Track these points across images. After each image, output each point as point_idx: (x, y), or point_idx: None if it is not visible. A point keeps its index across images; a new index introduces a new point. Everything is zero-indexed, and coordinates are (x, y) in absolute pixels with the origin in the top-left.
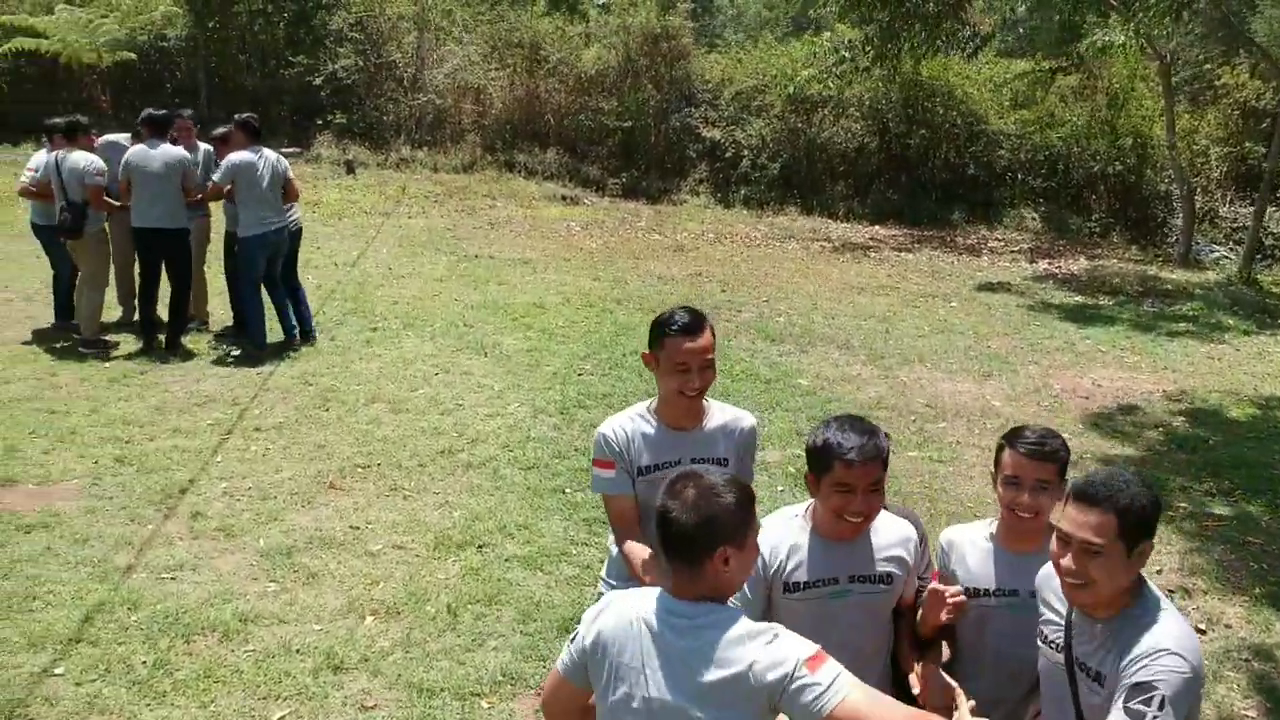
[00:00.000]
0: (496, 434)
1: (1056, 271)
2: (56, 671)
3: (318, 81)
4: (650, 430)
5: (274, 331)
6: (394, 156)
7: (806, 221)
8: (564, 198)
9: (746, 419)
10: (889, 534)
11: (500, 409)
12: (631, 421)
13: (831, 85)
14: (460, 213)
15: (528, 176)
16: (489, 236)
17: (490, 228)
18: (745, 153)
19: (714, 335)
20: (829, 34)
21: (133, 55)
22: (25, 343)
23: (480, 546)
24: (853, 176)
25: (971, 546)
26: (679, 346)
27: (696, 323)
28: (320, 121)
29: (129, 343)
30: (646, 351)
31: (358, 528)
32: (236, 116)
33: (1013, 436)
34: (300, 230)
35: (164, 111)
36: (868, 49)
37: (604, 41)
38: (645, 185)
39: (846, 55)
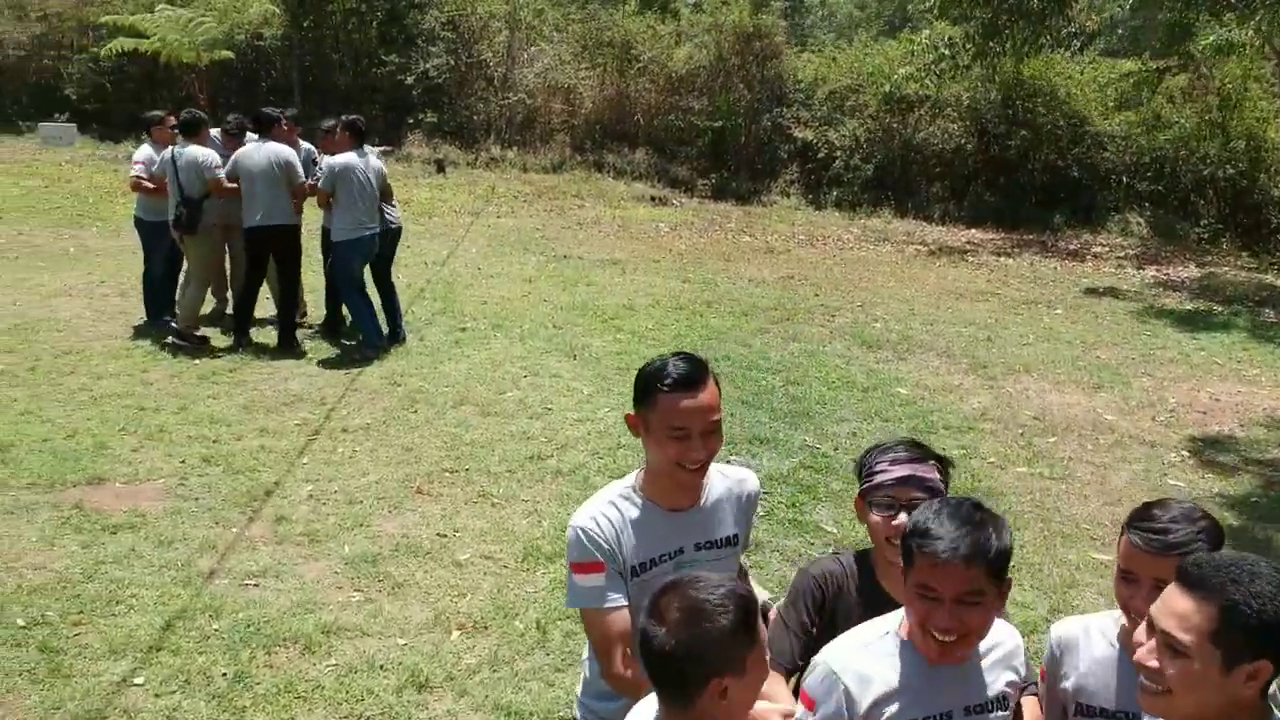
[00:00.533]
0: (586, 440)
1: (1165, 278)
2: (136, 681)
3: (409, 80)
4: (639, 515)
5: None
6: (484, 156)
7: (901, 224)
8: (653, 198)
9: (751, 480)
10: (998, 640)
11: (590, 414)
12: (614, 507)
13: (929, 84)
14: (549, 213)
15: (616, 177)
16: (578, 237)
17: (579, 228)
18: (838, 153)
19: (719, 390)
20: (928, 31)
21: (230, 54)
22: (120, 339)
23: None
24: (949, 178)
25: (1089, 649)
26: (675, 406)
27: (696, 374)
28: (411, 120)
29: (218, 339)
30: (631, 413)
31: (445, 535)
32: (344, 117)
33: (1136, 517)
34: (400, 229)
35: (274, 110)
36: (968, 46)
37: (695, 40)
38: (735, 186)
39: (946, 53)
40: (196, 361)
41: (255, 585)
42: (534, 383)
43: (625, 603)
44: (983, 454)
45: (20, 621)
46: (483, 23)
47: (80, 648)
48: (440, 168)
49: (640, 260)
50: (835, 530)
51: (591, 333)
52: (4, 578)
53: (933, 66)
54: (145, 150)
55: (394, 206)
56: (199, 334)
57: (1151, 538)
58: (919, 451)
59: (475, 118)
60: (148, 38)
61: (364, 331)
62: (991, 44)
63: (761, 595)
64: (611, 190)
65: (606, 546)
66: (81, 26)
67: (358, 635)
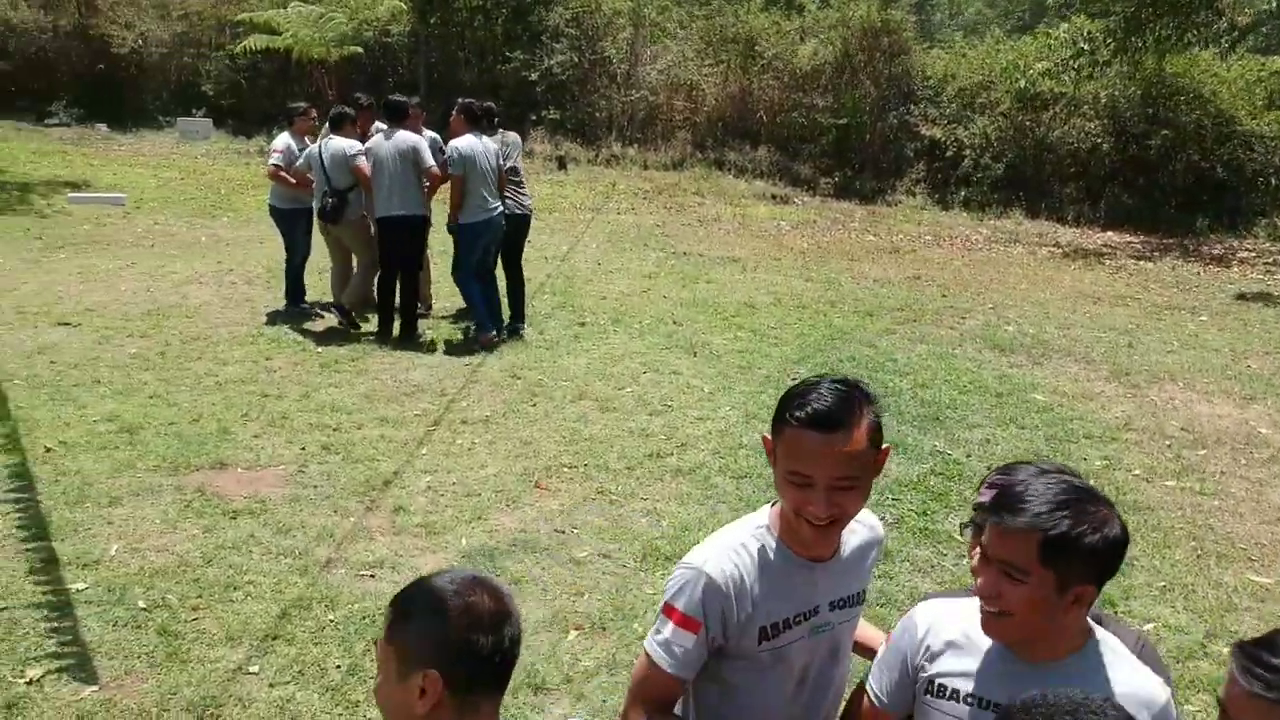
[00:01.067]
0: (707, 438)
1: None
2: (251, 670)
3: (533, 77)
4: (774, 562)
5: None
6: (605, 153)
7: (1032, 225)
8: (774, 197)
9: (879, 527)
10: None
11: (710, 412)
12: (746, 552)
13: (1066, 81)
14: (669, 210)
15: (738, 175)
16: (698, 234)
17: (699, 225)
18: (967, 152)
19: (876, 437)
20: (1066, 26)
21: (359, 50)
22: (245, 326)
23: None
24: (1084, 179)
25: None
26: (800, 445)
27: (839, 412)
28: (534, 117)
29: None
30: (766, 434)
31: (563, 532)
32: (460, 100)
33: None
34: (529, 216)
35: (403, 98)
36: (1108, 42)
37: (821, 36)
38: (859, 185)
39: (1085, 48)
40: (319, 350)
41: (371, 576)
42: (653, 379)
43: (689, 677)
44: (1127, 465)
45: (141, 603)
46: (607, 20)
47: (198, 633)
48: (561, 164)
49: (761, 258)
50: (967, 540)
51: (712, 330)
52: (128, 558)
53: (1070, 62)
54: (284, 139)
55: (525, 193)
56: (355, 316)
57: (1262, 678)
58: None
59: (597, 115)
60: (280, 34)
61: (477, 318)
62: (1133, 39)
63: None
64: (732, 188)
65: (718, 609)
66: (220, 25)
67: None
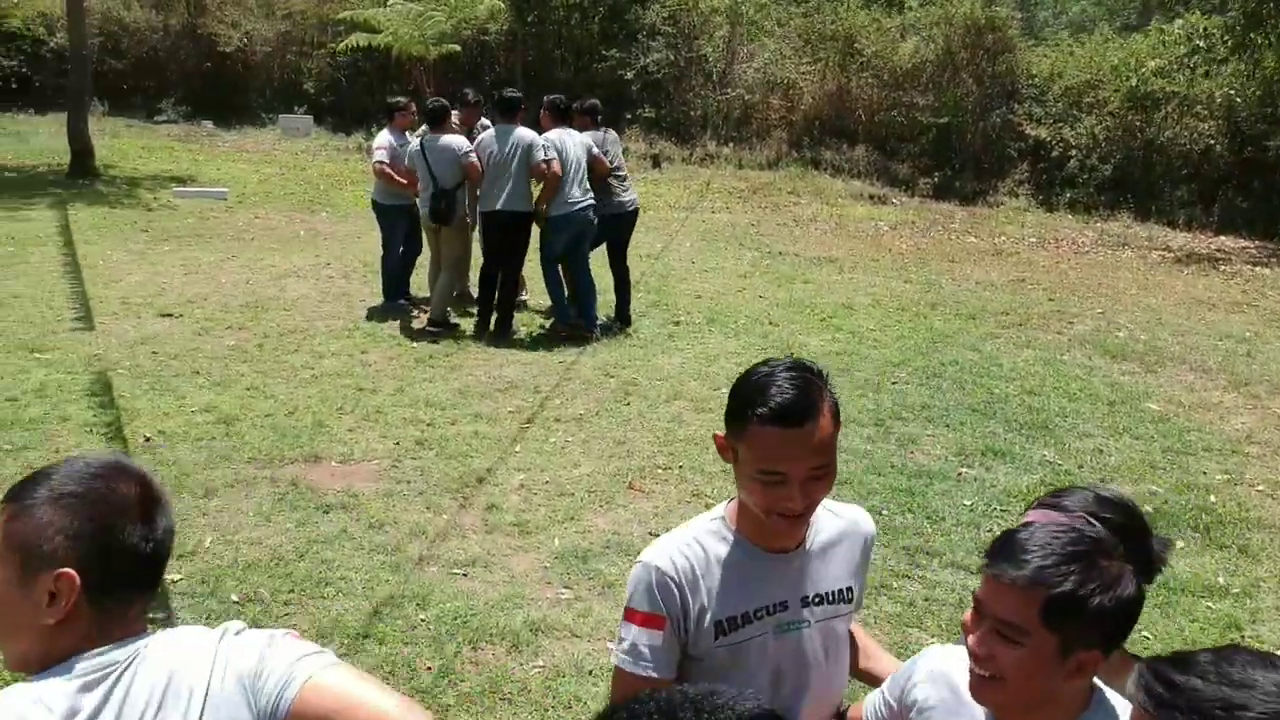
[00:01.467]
0: None
1: None
2: None
3: (628, 76)
4: (730, 555)
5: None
6: (699, 152)
7: (1141, 228)
8: (871, 197)
9: (866, 521)
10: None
11: None
12: (699, 545)
13: (1179, 80)
14: (764, 209)
15: (834, 174)
16: (793, 234)
17: (795, 225)
18: (1073, 153)
19: (836, 419)
20: (1180, 22)
21: (457, 48)
22: (341, 320)
23: None
24: (1196, 181)
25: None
26: (769, 443)
27: (805, 402)
28: (629, 116)
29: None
30: (720, 433)
31: (657, 534)
32: (546, 97)
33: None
34: (636, 212)
35: (517, 94)
36: (1226, 39)
37: (922, 34)
38: (959, 185)
39: (1200, 45)
40: (414, 345)
41: (464, 575)
42: None
43: (668, 676)
44: (1249, 480)
45: (234, 597)
46: (704, 18)
47: (289, 628)
48: (656, 163)
49: (858, 259)
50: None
51: (808, 331)
52: (222, 550)
53: (1185, 60)
54: (385, 136)
55: (627, 188)
56: (451, 320)
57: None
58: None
59: (692, 113)
60: (380, 32)
61: (556, 309)
62: (1253, 35)
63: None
64: (829, 188)
65: (675, 601)
66: (321, 23)
67: (566, 636)
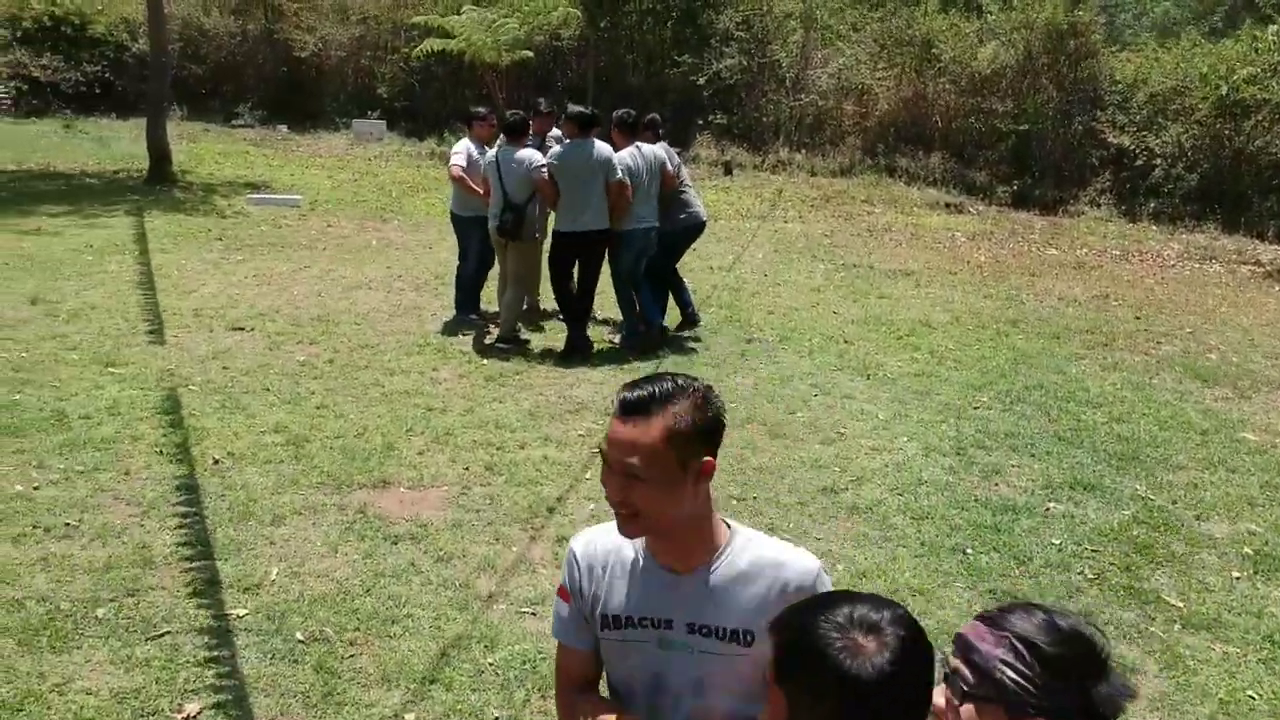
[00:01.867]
0: (883, 472)
1: None
2: (407, 718)
3: (700, 81)
4: (634, 558)
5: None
6: (771, 158)
7: (1229, 241)
8: (947, 205)
9: (796, 566)
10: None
11: (887, 442)
12: (613, 539)
13: (1274, 87)
14: (837, 218)
15: (909, 182)
16: (868, 244)
17: (869, 235)
18: (1158, 161)
19: (671, 441)
20: (1274, 28)
21: (530, 54)
22: (412, 335)
23: None
24: None
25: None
26: (611, 425)
27: (642, 403)
28: (701, 122)
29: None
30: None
31: None
32: (616, 113)
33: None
34: (703, 224)
35: (593, 110)
36: None
37: (1002, 38)
38: (1038, 194)
39: None
40: (485, 362)
41: (533, 614)
42: (825, 403)
43: (585, 650)
44: None
45: (299, 635)
46: (778, 22)
47: (354, 671)
48: (728, 170)
49: (935, 272)
50: (1180, 603)
51: (885, 350)
52: (288, 583)
53: (1279, 67)
54: (465, 143)
55: (694, 198)
56: (521, 336)
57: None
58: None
59: (765, 119)
60: (454, 38)
61: (626, 326)
62: None
63: None
64: (903, 196)
65: (577, 578)
66: (395, 28)
67: None
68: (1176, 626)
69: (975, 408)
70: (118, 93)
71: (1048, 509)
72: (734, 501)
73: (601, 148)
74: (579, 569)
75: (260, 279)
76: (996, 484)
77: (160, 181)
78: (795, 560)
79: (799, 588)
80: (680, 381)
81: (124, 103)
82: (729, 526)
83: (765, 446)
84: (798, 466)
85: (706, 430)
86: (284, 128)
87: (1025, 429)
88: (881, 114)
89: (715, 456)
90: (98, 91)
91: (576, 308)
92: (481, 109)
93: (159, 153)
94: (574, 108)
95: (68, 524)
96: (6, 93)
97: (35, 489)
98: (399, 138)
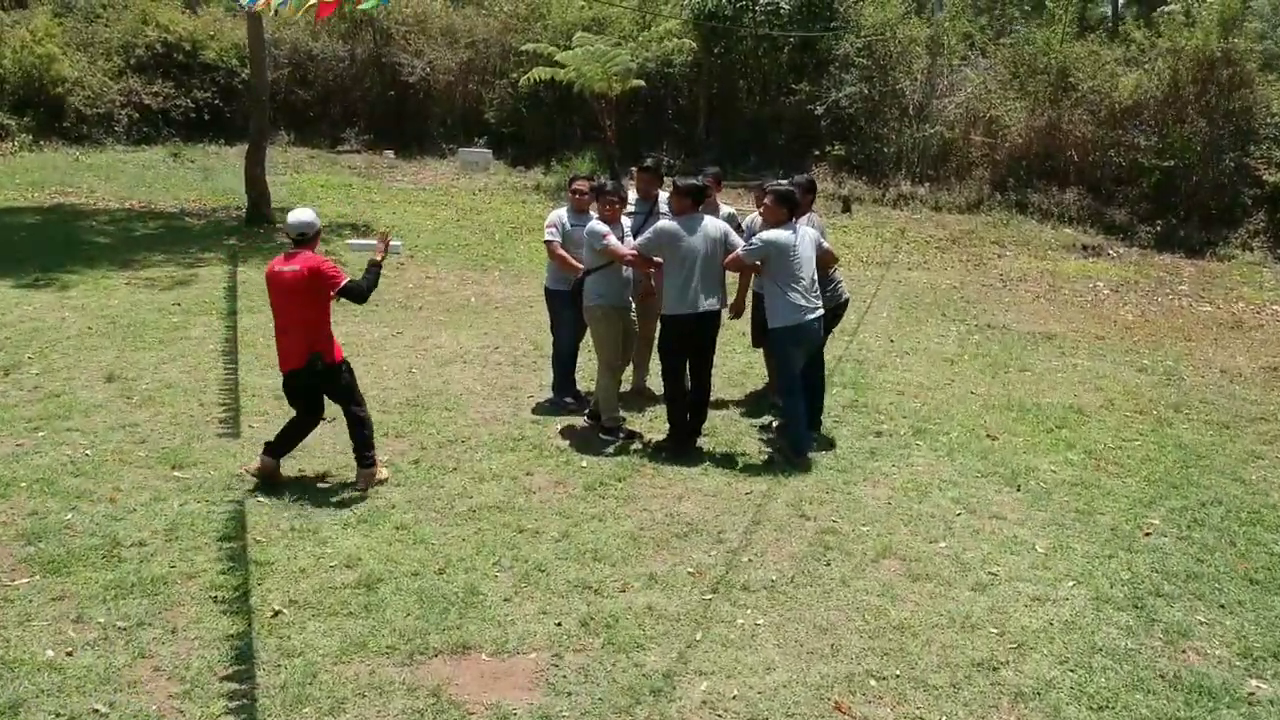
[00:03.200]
0: (1048, 634)
1: None
2: None
3: (818, 110)
4: None
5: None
6: (892, 192)
7: None
8: (1084, 247)
9: None
10: None
11: (1049, 588)
12: None
13: None
14: (966, 264)
15: (1042, 219)
16: (1002, 298)
17: (1002, 286)
18: None
19: None
20: None
21: (641, 83)
22: (506, 424)
23: None
24: None
25: None
26: None
27: None
28: (817, 153)
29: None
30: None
31: None
32: (795, 179)
33: None
34: (847, 302)
35: (699, 180)
36: None
37: (1146, 67)
38: (1183, 235)
39: None
40: (583, 463)
41: None
42: (971, 526)
43: None
44: None
45: None
46: (902, 48)
47: None
48: (846, 206)
49: (1080, 336)
50: None
51: (1034, 448)
52: None
53: None
54: (559, 214)
55: (836, 275)
56: (628, 429)
57: None
58: None
59: (885, 150)
60: (564, 68)
61: (791, 438)
62: None
63: None
64: (1036, 236)
65: None
66: (505, 52)
67: None
68: None
69: (1146, 534)
70: (226, 119)
71: (1251, 693)
72: (873, 681)
73: (716, 223)
74: None
75: (351, 348)
76: (1184, 651)
77: (258, 223)
78: None
79: None
80: None
81: (231, 129)
82: None
83: (906, 594)
84: (946, 626)
85: None
86: (390, 153)
87: (1209, 567)
88: (1012, 146)
89: None
90: (207, 118)
91: (695, 408)
92: (581, 181)
93: (258, 192)
94: (687, 181)
95: (95, 710)
96: (118, 121)
97: (68, 654)
98: (505, 166)
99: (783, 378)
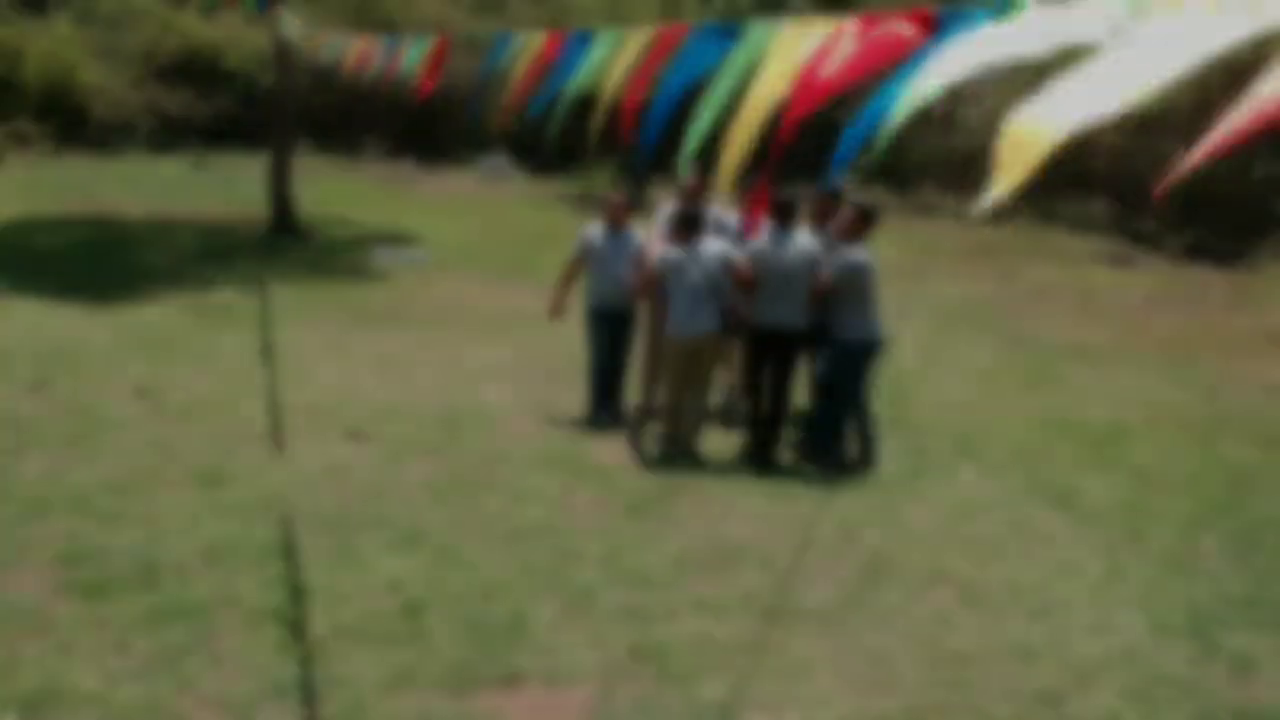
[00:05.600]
0: (1109, 663)
1: None
2: None
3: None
4: None
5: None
6: (917, 201)
7: None
8: (1113, 257)
9: None
10: None
11: (1105, 615)
12: None
13: None
14: (996, 276)
15: (1070, 229)
16: (1034, 311)
17: (1033, 299)
18: None
19: None
20: None
21: None
22: (543, 441)
23: None
24: None
25: None
26: None
27: None
28: None
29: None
30: None
31: None
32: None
33: None
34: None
35: (792, 196)
36: None
37: None
38: (1214, 244)
39: None
40: (625, 482)
41: None
42: (1023, 549)
43: None
44: None
45: None
46: None
47: None
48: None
49: (1115, 349)
50: None
51: (1081, 467)
52: None
53: None
54: (590, 229)
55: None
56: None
57: None
58: None
59: (911, 157)
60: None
61: (817, 444)
62: None
63: None
64: (1065, 246)
65: None
66: None
67: None
68: None
69: (1200, 556)
70: (247, 128)
71: None
72: (934, 715)
73: (806, 241)
74: None
75: (381, 365)
76: (1249, 682)
77: (282, 234)
78: None
79: None
80: None
81: (253, 137)
82: None
83: (961, 621)
84: (1004, 655)
85: None
86: (412, 162)
87: (1269, 591)
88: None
89: None
90: (227, 126)
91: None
92: (615, 194)
93: (281, 203)
94: (781, 198)
95: None
96: (139, 129)
97: (113, 685)
98: (525, 174)
99: (851, 395)
